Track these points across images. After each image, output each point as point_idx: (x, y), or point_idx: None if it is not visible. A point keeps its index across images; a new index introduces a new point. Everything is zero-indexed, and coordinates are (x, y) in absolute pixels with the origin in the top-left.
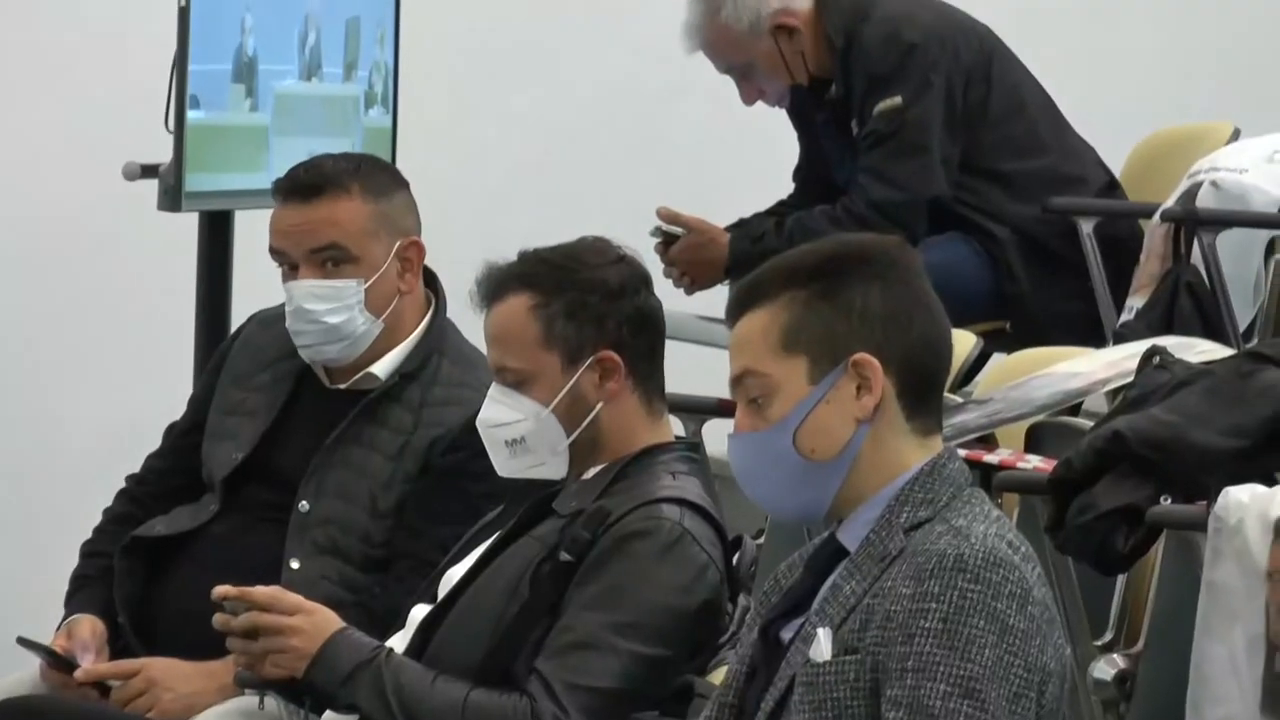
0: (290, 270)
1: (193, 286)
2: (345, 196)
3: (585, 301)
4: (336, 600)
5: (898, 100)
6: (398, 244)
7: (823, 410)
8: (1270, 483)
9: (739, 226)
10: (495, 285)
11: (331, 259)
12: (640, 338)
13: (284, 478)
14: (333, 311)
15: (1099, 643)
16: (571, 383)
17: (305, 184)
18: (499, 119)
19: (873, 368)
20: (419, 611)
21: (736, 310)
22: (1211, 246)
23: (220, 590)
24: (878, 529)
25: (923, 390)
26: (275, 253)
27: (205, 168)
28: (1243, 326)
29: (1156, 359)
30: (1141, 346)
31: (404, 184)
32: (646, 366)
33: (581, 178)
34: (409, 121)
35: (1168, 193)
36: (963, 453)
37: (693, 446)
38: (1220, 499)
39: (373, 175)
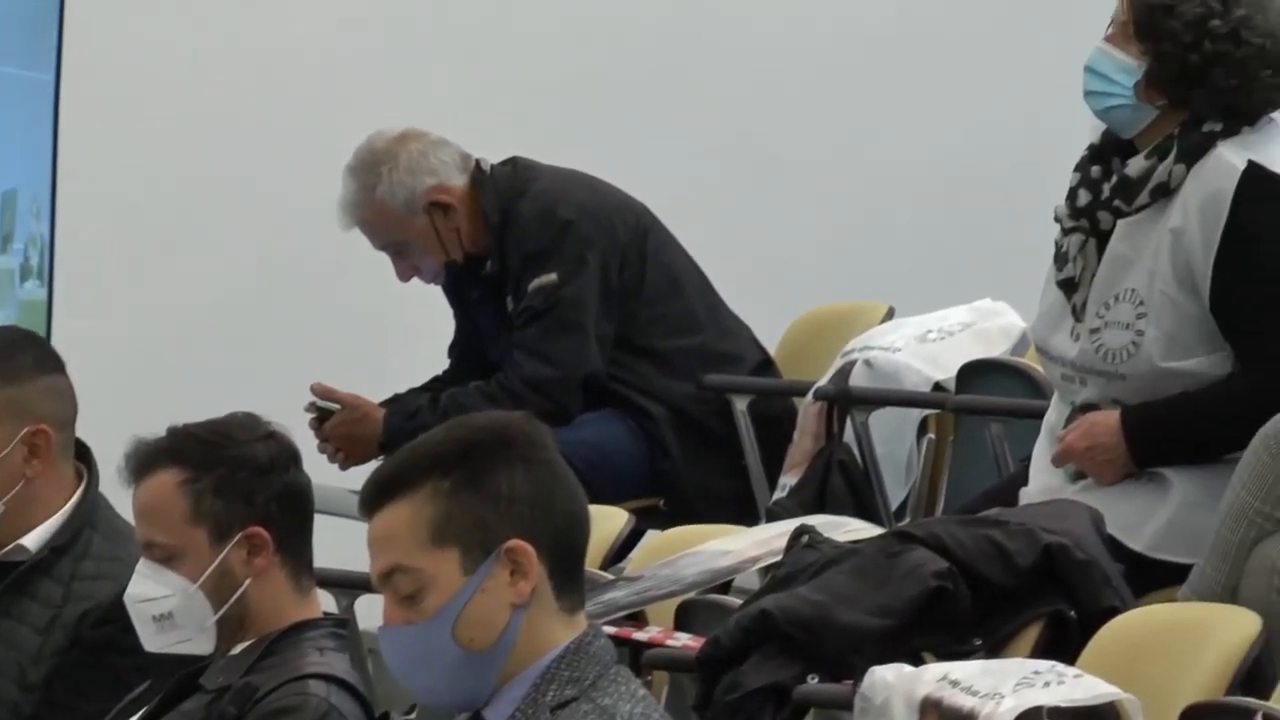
0: None
1: None
2: None
3: (234, 478)
4: None
5: (553, 277)
6: (24, 430)
7: (479, 600)
8: (917, 662)
9: (394, 403)
10: (143, 460)
11: None
12: (289, 514)
13: None
14: None
15: None
16: (219, 559)
17: None
18: (159, 290)
19: (526, 553)
20: None
21: (376, 502)
22: (864, 425)
23: None
24: (524, 708)
25: (570, 568)
26: None
27: None
28: (895, 505)
29: (805, 538)
30: (792, 525)
31: (50, 366)
32: (295, 542)
33: (238, 353)
34: (66, 294)
35: (822, 371)
36: (612, 630)
37: (341, 623)
38: (866, 678)
39: (11, 358)
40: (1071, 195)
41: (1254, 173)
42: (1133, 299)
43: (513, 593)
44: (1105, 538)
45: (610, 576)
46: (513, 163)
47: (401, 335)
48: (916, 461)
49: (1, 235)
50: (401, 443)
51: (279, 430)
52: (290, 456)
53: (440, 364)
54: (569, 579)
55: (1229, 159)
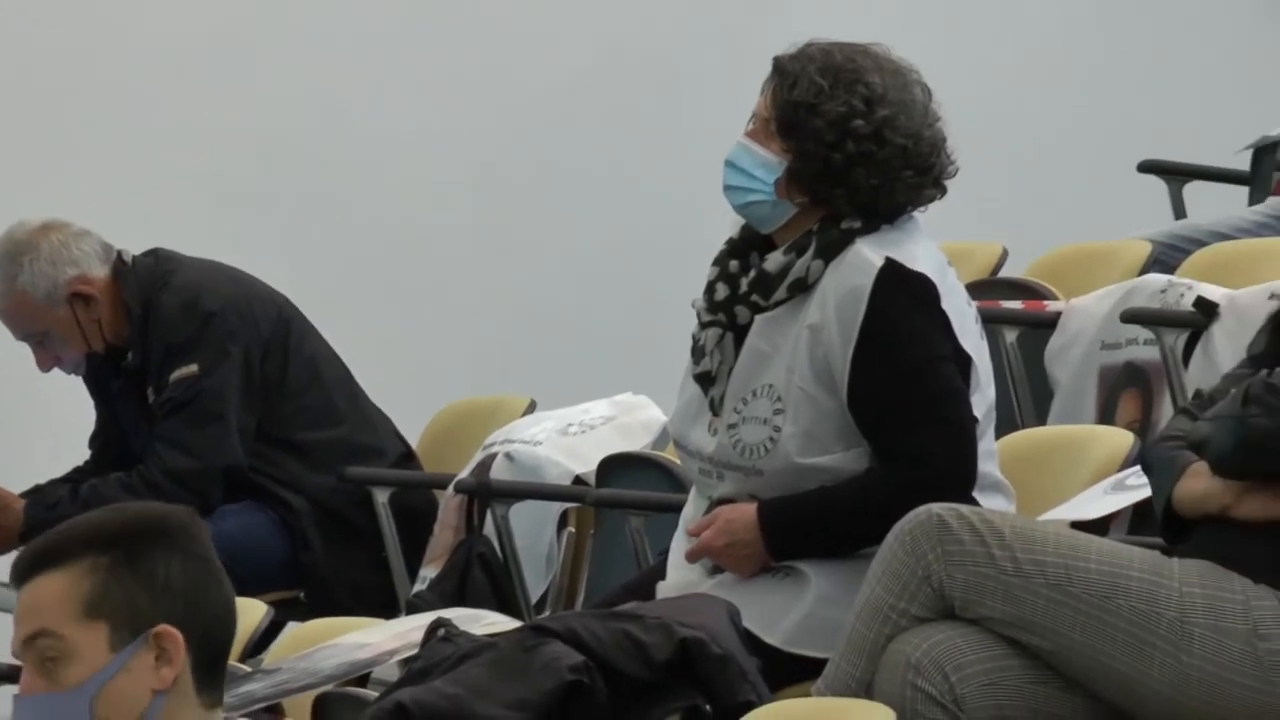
0: None
1: None
2: None
3: None
4: None
5: (194, 368)
6: None
7: (121, 679)
8: None
9: (34, 493)
10: None
11: None
12: None
13: None
14: None
15: None
16: None
17: None
18: None
19: (175, 640)
20: None
21: (31, 570)
22: (504, 518)
23: None
24: None
25: (214, 664)
26: None
27: None
28: (536, 598)
29: (442, 631)
30: (431, 617)
31: None
32: None
33: None
34: None
35: (463, 463)
36: None
37: None
38: None
39: None
40: (709, 289)
41: (891, 270)
42: (770, 394)
43: (156, 678)
44: (742, 632)
45: (248, 669)
46: (154, 254)
47: (44, 426)
48: (557, 554)
49: None
50: (41, 534)
51: None
52: None
53: (83, 454)
54: (211, 675)
55: (867, 256)
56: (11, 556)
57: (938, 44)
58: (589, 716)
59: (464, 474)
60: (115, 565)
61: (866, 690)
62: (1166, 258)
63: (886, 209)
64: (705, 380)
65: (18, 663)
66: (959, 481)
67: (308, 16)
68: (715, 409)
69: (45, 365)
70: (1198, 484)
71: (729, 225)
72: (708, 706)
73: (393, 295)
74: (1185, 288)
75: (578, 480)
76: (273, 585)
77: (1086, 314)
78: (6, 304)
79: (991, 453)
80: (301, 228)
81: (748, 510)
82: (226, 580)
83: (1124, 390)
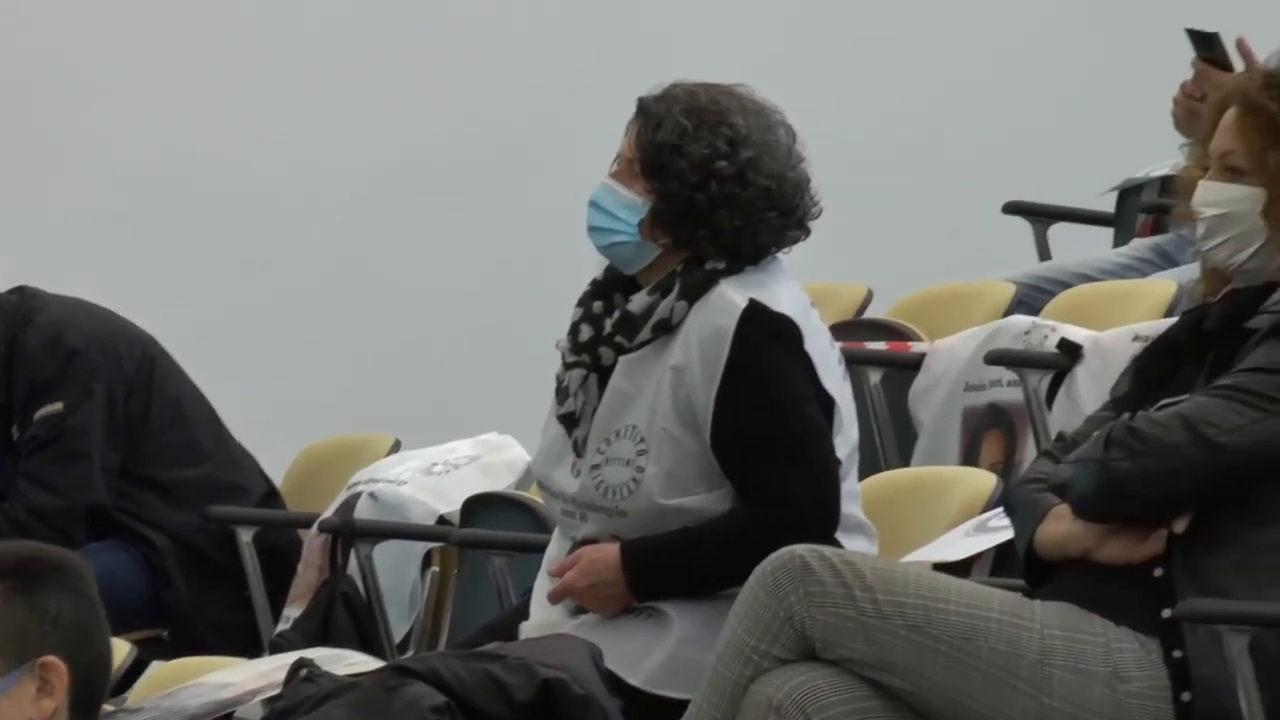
0: None
1: None
2: None
3: None
4: None
5: (59, 406)
6: None
7: (2, 704)
8: None
9: None
10: None
11: None
12: None
13: None
14: None
15: None
16: None
17: None
18: None
19: (59, 673)
20: None
21: None
22: (368, 558)
23: None
24: None
25: (90, 705)
26: None
27: None
28: (399, 638)
29: (304, 671)
30: (294, 657)
31: None
32: None
33: None
34: None
35: (328, 503)
36: None
37: None
38: None
39: None
40: (574, 330)
41: (755, 311)
42: (633, 435)
43: (35, 708)
44: (604, 672)
45: (111, 708)
46: (20, 291)
47: None
48: (420, 594)
49: None
50: None
51: None
52: None
53: None
54: (87, 715)
55: (731, 297)
56: None
57: (802, 85)
58: None
59: (328, 513)
60: (10, 594)
61: None
62: (1031, 299)
63: (750, 250)
64: (569, 421)
65: None
66: (821, 523)
67: (166, 56)
68: (579, 450)
69: None
70: (1059, 526)
71: (593, 266)
72: None
73: (258, 333)
74: (1049, 329)
75: (442, 520)
76: (136, 624)
77: (951, 355)
78: None
79: (854, 494)
80: (166, 265)
81: (610, 551)
82: (108, 629)
83: (987, 432)
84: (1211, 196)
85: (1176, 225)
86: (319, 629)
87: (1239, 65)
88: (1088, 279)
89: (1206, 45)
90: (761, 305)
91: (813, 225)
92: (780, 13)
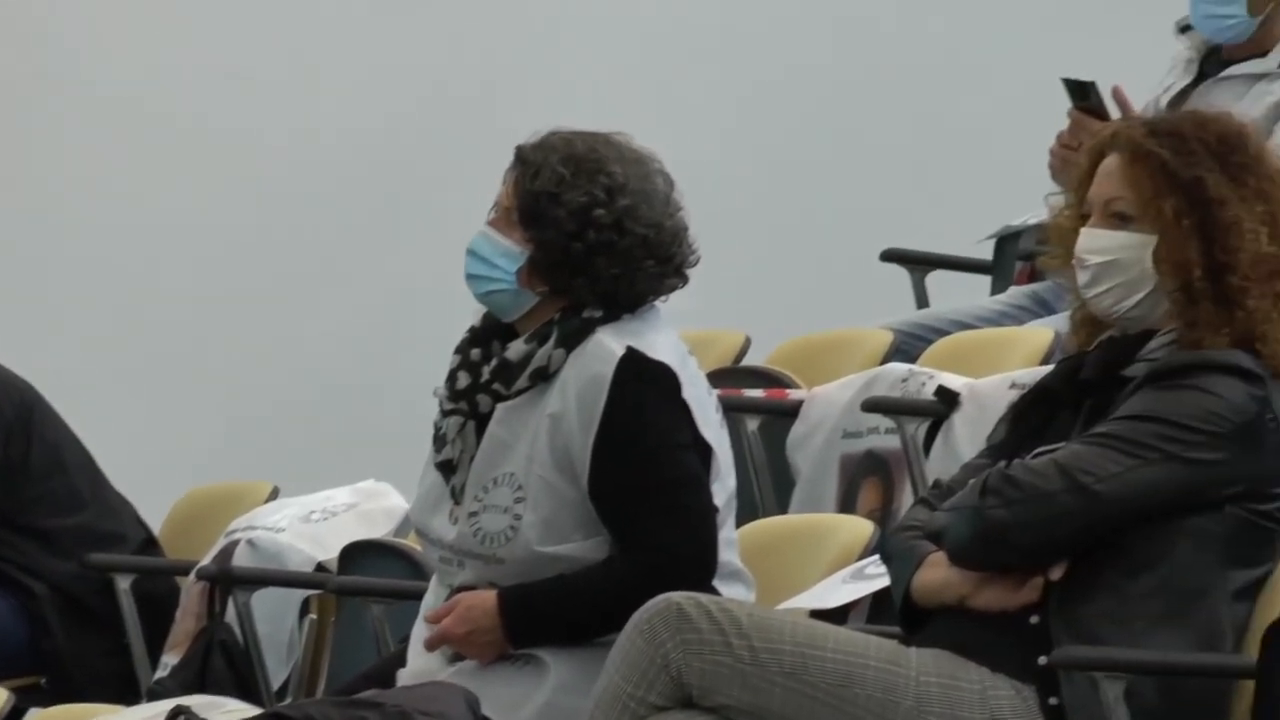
0: None
1: None
2: None
3: None
4: None
5: None
6: None
7: None
8: None
9: None
10: None
11: None
12: None
13: None
14: None
15: None
16: None
17: None
18: None
19: None
20: None
21: None
22: (246, 605)
23: None
24: None
25: None
26: None
27: None
28: (277, 685)
29: (182, 718)
30: (172, 704)
31: None
32: None
33: None
34: None
35: (206, 550)
36: None
37: None
38: None
39: None
40: (451, 377)
41: (632, 359)
42: (511, 483)
43: None
44: (481, 719)
45: None
46: None
47: None
48: (298, 641)
49: None
50: None
51: None
52: None
53: None
54: None
55: (608, 345)
56: None
57: (679, 132)
58: None
59: (206, 560)
60: None
61: None
62: (908, 346)
63: (628, 298)
64: (447, 468)
65: None
66: (698, 570)
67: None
68: (456, 497)
69: None
70: (936, 574)
71: (471, 313)
72: None
73: (135, 381)
74: (926, 377)
75: (319, 567)
76: (13, 671)
77: (828, 402)
78: None
79: (732, 541)
80: (42, 313)
81: (488, 597)
82: None
83: (865, 479)
84: (1098, 244)
85: (1053, 273)
86: (197, 676)
87: (1115, 114)
88: (965, 326)
89: (1082, 94)
90: (639, 353)
91: (691, 273)
92: (658, 59)
